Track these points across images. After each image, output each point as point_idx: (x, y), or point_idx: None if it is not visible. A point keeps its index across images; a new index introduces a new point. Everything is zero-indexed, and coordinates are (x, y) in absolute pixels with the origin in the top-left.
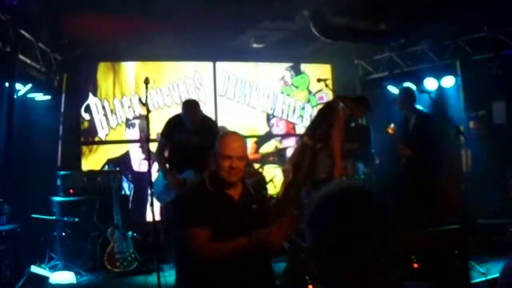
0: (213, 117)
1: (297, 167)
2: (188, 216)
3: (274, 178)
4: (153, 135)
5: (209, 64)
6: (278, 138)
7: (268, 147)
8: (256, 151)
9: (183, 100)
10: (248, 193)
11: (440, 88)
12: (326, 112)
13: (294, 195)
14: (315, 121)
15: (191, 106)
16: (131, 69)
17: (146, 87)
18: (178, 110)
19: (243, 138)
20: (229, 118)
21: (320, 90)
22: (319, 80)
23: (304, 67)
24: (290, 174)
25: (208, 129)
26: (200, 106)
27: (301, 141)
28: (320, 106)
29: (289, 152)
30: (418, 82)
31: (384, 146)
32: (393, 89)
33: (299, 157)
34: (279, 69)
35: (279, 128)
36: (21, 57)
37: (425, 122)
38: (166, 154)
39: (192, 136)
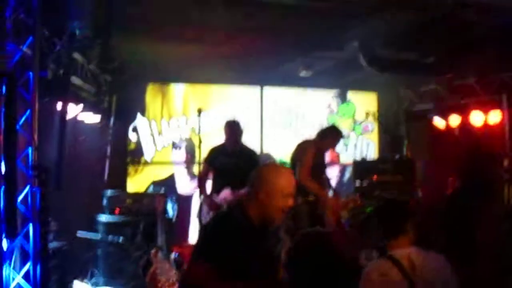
0: (258, 143)
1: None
2: (222, 251)
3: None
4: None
5: (257, 89)
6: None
7: None
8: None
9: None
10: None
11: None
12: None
13: None
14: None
15: (233, 125)
16: (179, 91)
17: (199, 116)
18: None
19: None
20: (274, 145)
21: (365, 120)
22: (368, 114)
23: (350, 95)
24: None
25: (248, 154)
26: (242, 128)
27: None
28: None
29: (333, 182)
30: (464, 116)
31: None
32: (439, 121)
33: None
34: (326, 96)
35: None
36: (73, 78)
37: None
38: (208, 179)
39: (232, 159)
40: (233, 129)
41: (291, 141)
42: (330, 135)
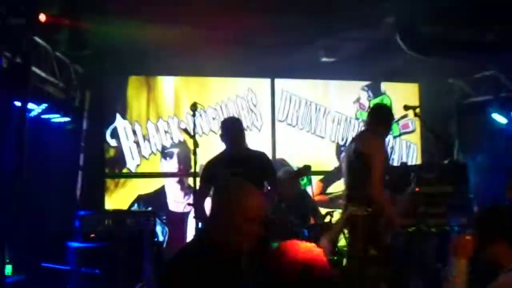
0: (269, 147)
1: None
2: None
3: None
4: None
5: (266, 82)
6: None
7: (338, 187)
8: (323, 191)
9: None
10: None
11: None
12: None
13: None
14: None
15: (230, 124)
16: (169, 85)
17: (194, 114)
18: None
19: None
20: (290, 149)
21: (405, 116)
22: (406, 108)
23: (385, 86)
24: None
25: (257, 157)
26: (243, 127)
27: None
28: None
29: None
30: None
31: (485, 192)
32: (499, 118)
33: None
34: (354, 89)
35: None
36: (35, 69)
37: None
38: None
39: (237, 168)
40: (232, 128)
41: (309, 144)
42: (386, 119)
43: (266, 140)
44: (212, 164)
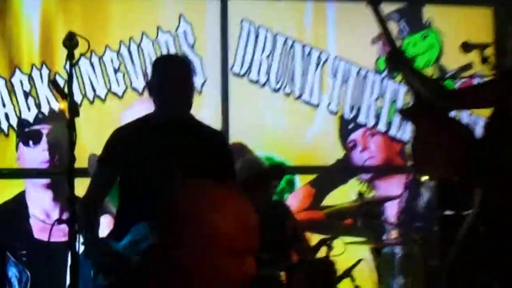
0: (217, 121)
1: None
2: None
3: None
4: (81, 162)
5: (213, 4)
6: (366, 176)
7: (342, 196)
8: (315, 203)
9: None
10: None
11: None
12: None
13: None
14: None
15: (171, 63)
16: (33, 10)
17: (71, 56)
18: (139, 106)
19: None
20: (254, 126)
21: (467, 67)
22: (467, 48)
23: (430, 12)
24: None
25: (206, 138)
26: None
27: None
28: None
29: (391, 209)
30: None
31: None
32: None
33: None
34: (371, 18)
35: (369, 151)
36: None
37: None
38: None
39: (171, 139)
40: (173, 74)
41: (290, 118)
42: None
43: (210, 109)
44: (125, 135)
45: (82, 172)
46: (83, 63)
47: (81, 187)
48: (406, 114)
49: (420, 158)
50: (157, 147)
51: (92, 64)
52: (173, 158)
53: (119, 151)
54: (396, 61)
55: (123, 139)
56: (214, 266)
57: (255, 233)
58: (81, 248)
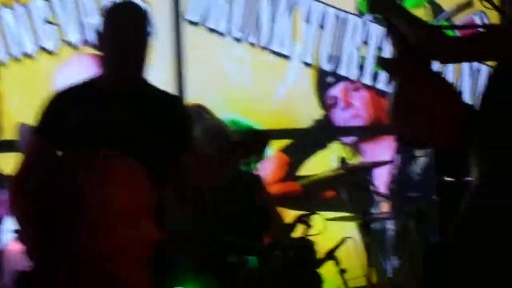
0: (169, 79)
1: None
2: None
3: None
4: (9, 133)
5: None
6: (349, 139)
7: (322, 163)
8: (290, 173)
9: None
10: None
11: None
12: None
13: None
14: None
15: (121, 11)
16: None
17: None
18: (76, 63)
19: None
20: (214, 84)
21: (468, 4)
22: None
23: None
24: None
25: (161, 105)
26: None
27: None
28: None
29: (380, 177)
30: None
31: None
32: None
33: None
34: None
35: (353, 109)
36: None
37: None
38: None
39: (115, 109)
40: (122, 25)
41: (257, 72)
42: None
43: (160, 66)
44: (67, 102)
45: (10, 145)
46: (5, 14)
47: (7, 163)
48: (385, 65)
49: (401, 122)
50: (102, 120)
51: (15, 15)
52: (119, 134)
53: (59, 120)
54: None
55: (64, 107)
56: (111, 239)
57: (144, 192)
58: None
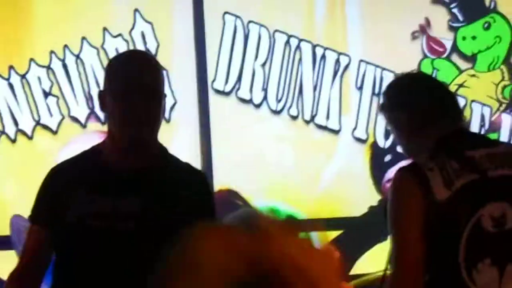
0: (194, 158)
1: None
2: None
3: None
4: (3, 228)
5: None
6: None
7: (379, 259)
8: (341, 271)
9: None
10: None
11: None
12: None
13: None
14: None
15: (132, 66)
16: None
17: None
18: (81, 143)
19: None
20: (248, 164)
21: None
22: None
23: None
24: None
25: (179, 181)
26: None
27: None
28: None
29: None
30: None
31: None
32: None
33: None
34: (414, 3)
35: None
36: None
37: None
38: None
39: (123, 195)
40: (134, 82)
41: (298, 148)
42: None
43: (183, 143)
44: (65, 179)
45: (4, 242)
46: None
47: (4, 263)
48: None
49: None
50: (109, 203)
51: (11, 86)
52: (131, 223)
53: (51, 205)
54: None
55: (63, 185)
56: None
57: None
58: None
